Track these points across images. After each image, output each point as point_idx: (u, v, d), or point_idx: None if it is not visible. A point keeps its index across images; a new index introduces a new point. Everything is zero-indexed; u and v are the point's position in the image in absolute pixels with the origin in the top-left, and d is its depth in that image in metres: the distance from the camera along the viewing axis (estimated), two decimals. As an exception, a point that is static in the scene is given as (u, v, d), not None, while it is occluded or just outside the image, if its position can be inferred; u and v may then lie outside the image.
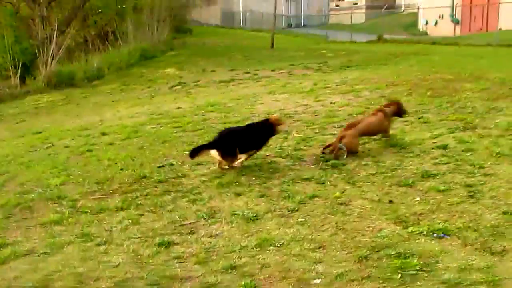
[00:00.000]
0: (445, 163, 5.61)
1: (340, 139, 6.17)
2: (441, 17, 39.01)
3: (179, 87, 14.64)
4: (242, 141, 5.88)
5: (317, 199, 4.78)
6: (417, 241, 3.85)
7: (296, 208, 4.58)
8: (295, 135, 7.22)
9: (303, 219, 4.34)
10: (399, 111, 6.89)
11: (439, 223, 4.08)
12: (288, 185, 5.19)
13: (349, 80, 12.47)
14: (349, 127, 6.40)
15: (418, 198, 4.66)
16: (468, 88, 10.27)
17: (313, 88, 11.60)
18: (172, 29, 30.33)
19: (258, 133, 6.03)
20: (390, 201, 4.63)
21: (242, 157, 5.94)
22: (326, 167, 5.71)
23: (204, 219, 4.47)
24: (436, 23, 39.42)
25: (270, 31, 29.26)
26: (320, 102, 9.79)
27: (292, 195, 4.89)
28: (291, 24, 50.67)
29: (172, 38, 28.80)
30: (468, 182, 4.98)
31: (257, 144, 6.04)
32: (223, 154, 5.75)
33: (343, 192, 4.91)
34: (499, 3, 33.63)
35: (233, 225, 4.32)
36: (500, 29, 28.27)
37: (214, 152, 5.75)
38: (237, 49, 25.42)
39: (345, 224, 4.21)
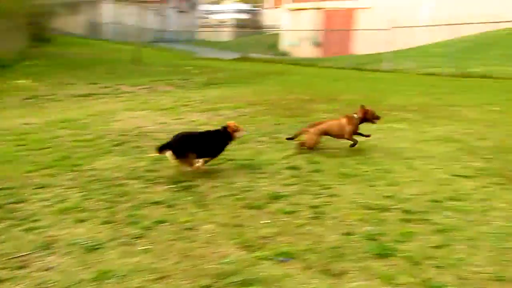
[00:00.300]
0: (295, 184, 5.74)
1: (302, 133, 7.30)
2: (303, 39, 40.93)
3: (32, 100, 13.65)
4: (197, 146, 6.08)
5: (165, 224, 4.60)
6: (261, 266, 3.82)
7: (141, 235, 4.36)
8: (149, 155, 7.00)
9: (148, 247, 4.14)
10: (367, 118, 7.36)
11: (283, 247, 4.11)
12: (136, 210, 4.95)
13: (211, 98, 12.52)
14: (311, 126, 7.33)
15: (265, 221, 4.67)
16: (321, 109, 10.77)
17: (173, 105, 11.46)
18: (31, 37, 28.46)
19: (216, 140, 6.25)
20: (238, 225, 4.59)
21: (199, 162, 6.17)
22: (178, 189, 5.56)
23: (40, 250, 4.09)
24: (297, 45, 41.24)
25: (136, 44, 28.65)
26: (180, 120, 9.67)
27: (139, 220, 4.66)
28: (158, 39, 50.15)
29: (30, 47, 27.03)
30: (314, 203, 5.11)
31: (214, 151, 6.25)
32: (177, 157, 5.92)
33: (192, 216, 4.79)
34: (354, 29, 36.12)
35: (71, 256, 3.98)
36: (353, 54, 30.28)
37: (168, 154, 5.94)
38: (100, 61, 24.54)
39: (191, 250, 4.08)
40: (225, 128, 6.32)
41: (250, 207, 5.03)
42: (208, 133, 6.43)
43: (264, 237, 4.32)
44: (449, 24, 24.72)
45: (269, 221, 4.68)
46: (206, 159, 6.25)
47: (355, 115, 7.36)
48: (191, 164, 6.07)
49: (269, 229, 4.49)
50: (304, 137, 7.32)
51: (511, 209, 5.01)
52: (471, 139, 8.12)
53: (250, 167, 6.41)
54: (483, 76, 20.07)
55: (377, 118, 7.51)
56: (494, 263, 3.82)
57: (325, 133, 7.35)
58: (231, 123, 6.41)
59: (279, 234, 4.38)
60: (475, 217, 4.78)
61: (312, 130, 7.29)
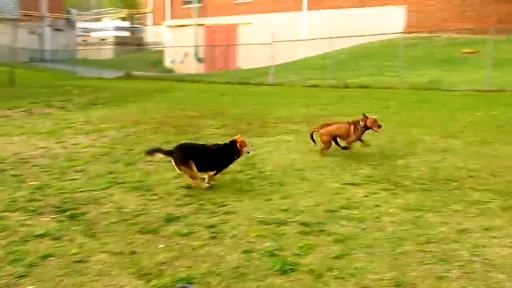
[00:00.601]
0: (189, 204, 5.56)
1: (312, 133, 8.11)
2: (186, 55, 40.90)
3: None
4: (201, 158, 6.08)
5: (52, 258, 4.20)
6: (161, 295, 3.61)
7: (25, 273, 3.93)
8: (30, 183, 6.48)
9: (33, 286, 3.76)
10: (367, 126, 7.83)
11: (182, 271, 3.91)
12: (18, 245, 4.49)
13: (94, 119, 11.99)
14: (323, 126, 8.04)
15: (161, 246, 4.45)
16: (210, 125, 10.70)
17: (54, 128, 10.80)
18: None
19: (222, 154, 6.23)
20: (133, 252, 4.33)
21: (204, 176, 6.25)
22: (64, 218, 5.15)
23: None
24: (181, 61, 41.13)
25: (9, 65, 26.93)
26: (62, 143, 9.10)
27: (22, 256, 4.22)
28: (34, 58, 47.56)
29: None
30: (211, 223, 4.97)
31: (219, 165, 6.24)
32: (176, 163, 5.99)
33: (81, 247, 4.43)
34: (237, 44, 36.70)
35: None
36: (238, 67, 30.74)
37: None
38: (-32, 85, 22.73)
39: (83, 285, 3.75)
40: (233, 143, 6.26)
41: (144, 232, 4.77)
42: (215, 147, 6.40)
43: (161, 263, 4.09)
44: (327, 38, 25.79)
45: (165, 245, 4.46)
46: (211, 173, 6.28)
47: (361, 123, 7.87)
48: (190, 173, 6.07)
49: (166, 254, 4.27)
50: (322, 138, 7.98)
51: (400, 214, 5.21)
52: (356, 147, 8.39)
53: (141, 189, 6.12)
54: (360, 86, 21.12)
55: (379, 126, 7.90)
56: (392, 268, 3.91)
57: (335, 134, 7.99)
58: (238, 138, 6.32)
59: (177, 259, 4.17)
60: (369, 224, 4.90)
61: (324, 131, 7.97)
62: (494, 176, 6.76)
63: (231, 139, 6.41)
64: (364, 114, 7.94)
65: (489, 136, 9.44)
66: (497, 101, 15.33)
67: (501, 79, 19.10)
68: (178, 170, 6.06)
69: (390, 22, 29.59)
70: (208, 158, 6.17)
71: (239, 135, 6.51)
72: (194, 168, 6.01)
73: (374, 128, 7.88)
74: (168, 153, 6.12)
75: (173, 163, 6.06)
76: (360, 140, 8.01)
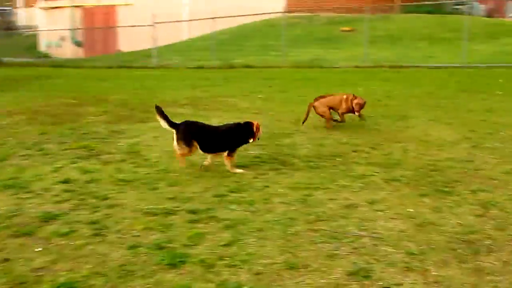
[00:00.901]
0: (68, 200, 5.13)
1: (311, 107, 8.36)
2: (63, 39, 38.88)
3: None
4: (209, 139, 6.05)
5: None
6: (38, 304, 3.28)
7: None
8: None
9: None
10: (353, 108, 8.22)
11: (63, 276, 3.58)
12: None
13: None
14: (317, 99, 8.41)
15: (38, 249, 4.05)
16: (91, 112, 10.16)
17: None
18: None
19: (233, 134, 6.09)
20: (6, 259, 3.90)
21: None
22: None
23: None
24: (58, 45, 39.05)
25: None
26: None
27: None
28: None
29: None
30: (93, 219, 4.62)
31: (229, 145, 6.06)
32: (178, 139, 5.98)
33: None
34: (117, 26, 35.43)
35: None
36: (119, 50, 29.68)
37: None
38: None
39: None
40: (248, 124, 6.11)
41: (19, 235, 4.31)
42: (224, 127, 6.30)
43: (38, 269, 3.71)
44: (210, 18, 25.55)
45: (42, 248, 4.07)
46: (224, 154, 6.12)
47: (349, 97, 8.27)
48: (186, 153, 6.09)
49: (44, 257, 3.89)
50: (318, 110, 8.34)
51: (289, 193, 5.21)
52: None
53: (14, 187, 5.55)
54: (245, 66, 21.21)
55: (358, 111, 8.20)
56: (284, 251, 3.86)
57: (328, 105, 8.38)
58: (254, 121, 6.19)
59: (57, 262, 3.81)
60: (258, 206, 4.83)
61: (318, 103, 8.35)
62: (374, 149, 7.02)
63: (246, 121, 6.28)
64: (353, 94, 8.33)
65: (369, 110, 9.81)
66: (374, 76, 16.08)
67: (376, 56, 20.08)
68: (175, 144, 6.06)
69: (271, 1, 29.92)
70: (215, 139, 6.09)
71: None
72: (194, 149, 6.05)
73: (355, 110, 8.20)
74: (173, 125, 6.05)
75: (174, 136, 6.04)
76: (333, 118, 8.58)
